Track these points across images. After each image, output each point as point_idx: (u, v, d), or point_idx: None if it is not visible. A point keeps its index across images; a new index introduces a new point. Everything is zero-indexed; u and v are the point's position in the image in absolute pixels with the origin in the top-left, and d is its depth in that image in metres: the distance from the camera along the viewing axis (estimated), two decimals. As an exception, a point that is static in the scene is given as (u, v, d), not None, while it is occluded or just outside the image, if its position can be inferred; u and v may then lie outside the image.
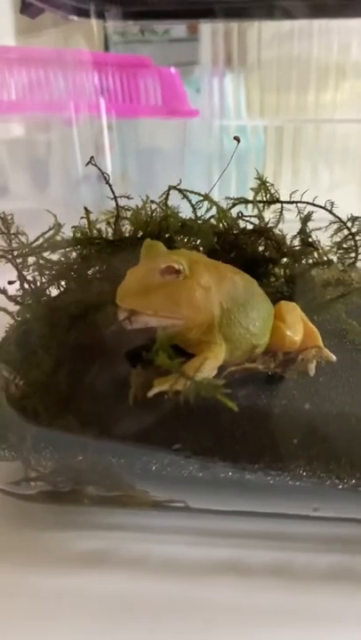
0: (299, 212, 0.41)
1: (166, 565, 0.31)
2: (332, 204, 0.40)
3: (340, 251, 0.42)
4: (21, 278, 0.38)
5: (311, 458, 0.31)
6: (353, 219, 0.41)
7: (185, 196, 0.42)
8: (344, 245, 0.42)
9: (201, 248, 0.42)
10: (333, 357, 0.37)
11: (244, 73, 0.95)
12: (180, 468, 0.31)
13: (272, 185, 0.42)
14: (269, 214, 0.42)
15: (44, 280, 0.39)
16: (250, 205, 0.42)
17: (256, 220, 0.42)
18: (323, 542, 0.32)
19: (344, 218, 0.41)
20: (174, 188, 0.41)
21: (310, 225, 0.42)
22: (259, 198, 0.42)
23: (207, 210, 0.42)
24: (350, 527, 0.33)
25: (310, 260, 0.42)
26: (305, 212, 0.41)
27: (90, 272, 0.41)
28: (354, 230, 0.41)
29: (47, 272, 0.39)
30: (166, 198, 0.42)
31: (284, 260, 0.42)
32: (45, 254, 0.39)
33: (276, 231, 0.42)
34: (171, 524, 0.34)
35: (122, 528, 0.33)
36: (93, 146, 0.82)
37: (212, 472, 0.31)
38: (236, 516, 0.34)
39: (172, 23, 1.00)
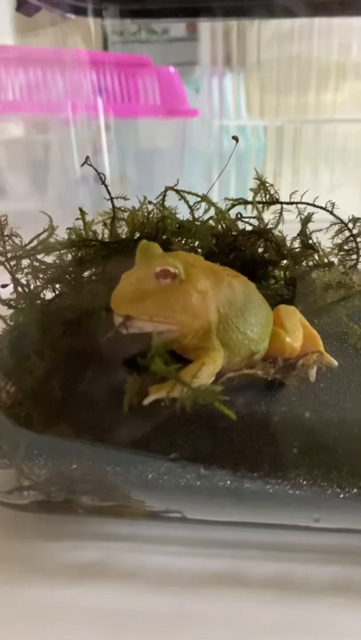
0: (299, 213, 0.41)
1: (162, 577, 0.30)
2: (333, 204, 0.40)
3: (342, 252, 0.42)
4: (15, 281, 0.37)
5: (312, 466, 0.30)
6: (354, 220, 0.41)
7: (182, 197, 0.41)
8: (345, 247, 0.41)
9: (199, 250, 0.41)
10: (335, 362, 0.36)
11: (244, 73, 0.94)
12: (177, 477, 0.30)
13: (272, 185, 0.41)
14: (269, 215, 0.41)
15: (38, 283, 0.38)
16: (249, 206, 0.42)
17: (255, 222, 0.41)
18: (324, 554, 0.32)
19: (345, 219, 0.40)
20: (171, 188, 0.41)
21: (311, 226, 0.41)
22: (258, 199, 0.41)
23: (205, 211, 0.41)
24: (352, 538, 0.32)
25: (311, 263, 0.42)
26: (305, 213, 0.40)
27: (85, 275, 0.40)
28: (355, 232, 0.41)
29: (41, 275, 0.38)
30: (163, 199, 0.41)
31: (284, 262, 0.42)
32: (40, 256, 0.39)
33: (276, 232, 0.41)
34: (167, 534, 0.33)
35: (117, 539, 0.33)
36: (91, 146, 0.82)
37: (209, 481, 0.30)
38: (234, 527, 0.33)
39: (170, 21, 1.00)
